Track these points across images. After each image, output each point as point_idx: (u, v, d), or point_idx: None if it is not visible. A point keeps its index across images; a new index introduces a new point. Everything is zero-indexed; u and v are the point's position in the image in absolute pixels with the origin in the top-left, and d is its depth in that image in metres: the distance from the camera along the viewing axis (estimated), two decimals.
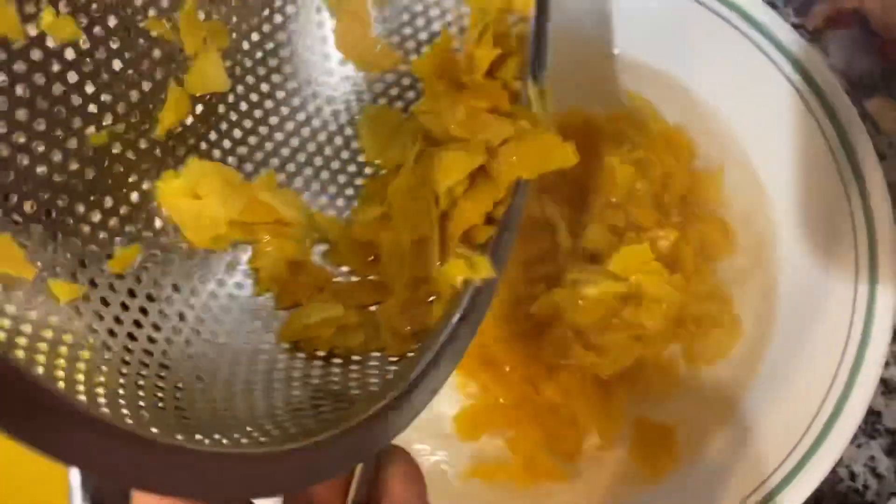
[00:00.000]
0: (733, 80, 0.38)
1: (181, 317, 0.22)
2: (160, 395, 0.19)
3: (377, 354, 0.23)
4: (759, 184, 0.38)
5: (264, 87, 0.26)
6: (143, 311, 0.21)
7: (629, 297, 0.36)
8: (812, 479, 0.32)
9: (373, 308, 0.24)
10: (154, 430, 0.17)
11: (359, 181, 0.26)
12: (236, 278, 0.24)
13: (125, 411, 0.17)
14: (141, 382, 0.19)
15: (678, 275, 0.36)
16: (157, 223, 0.23)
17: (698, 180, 0.38)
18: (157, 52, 0.23)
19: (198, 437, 0.17)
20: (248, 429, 0.18)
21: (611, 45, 0.41)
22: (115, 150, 0.22)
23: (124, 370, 0.19)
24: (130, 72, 0.22)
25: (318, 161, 0.26)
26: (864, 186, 0.35)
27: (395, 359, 0.23)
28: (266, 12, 0.25)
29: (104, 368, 0.18)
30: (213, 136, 0.24)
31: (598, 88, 0.41)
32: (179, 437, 0.17)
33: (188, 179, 0.23)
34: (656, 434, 0.35)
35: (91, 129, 0.21)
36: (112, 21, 0.21)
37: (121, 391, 0.18)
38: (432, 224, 0.23)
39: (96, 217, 0.21)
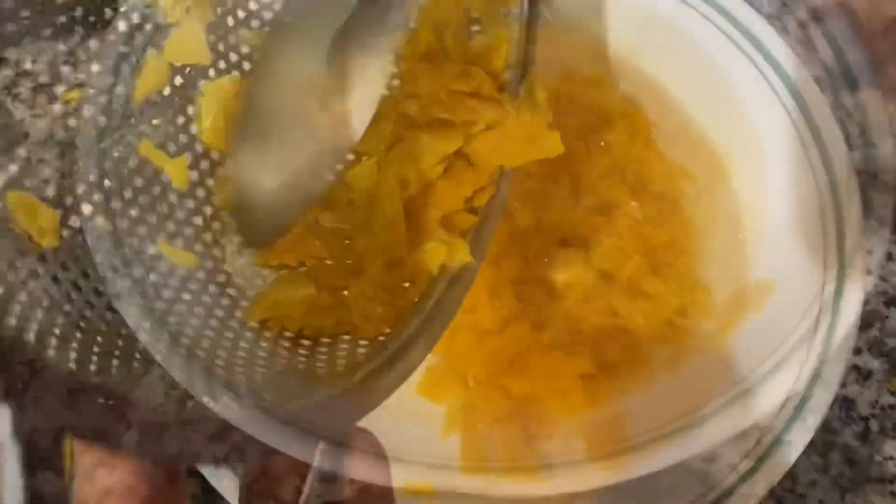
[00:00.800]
0: (700, 70, 0.38)
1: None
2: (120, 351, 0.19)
3: (347, 337, 0.23)
4: (727, 174, 0.38)
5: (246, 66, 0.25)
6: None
7: (622, 290, 0.36)
8: (780, 465, 0.32)
9: (346, 292, 0.24)
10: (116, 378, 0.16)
11: (340, 167, 0.26)
12: None
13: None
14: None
15: (665, 272, 0.36)
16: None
17: (665, 169, 0.38)
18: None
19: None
20: (205, 398, 0.18)
21: (584, 35, 0.41)
22: None
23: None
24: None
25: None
26: (833, 176, 0.35)
27: (365, 342, 0.22)
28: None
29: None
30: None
31: (568, 76, 0.41)
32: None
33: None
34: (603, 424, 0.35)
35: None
36: None
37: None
38: (397, 207, 0.23)
39: None
